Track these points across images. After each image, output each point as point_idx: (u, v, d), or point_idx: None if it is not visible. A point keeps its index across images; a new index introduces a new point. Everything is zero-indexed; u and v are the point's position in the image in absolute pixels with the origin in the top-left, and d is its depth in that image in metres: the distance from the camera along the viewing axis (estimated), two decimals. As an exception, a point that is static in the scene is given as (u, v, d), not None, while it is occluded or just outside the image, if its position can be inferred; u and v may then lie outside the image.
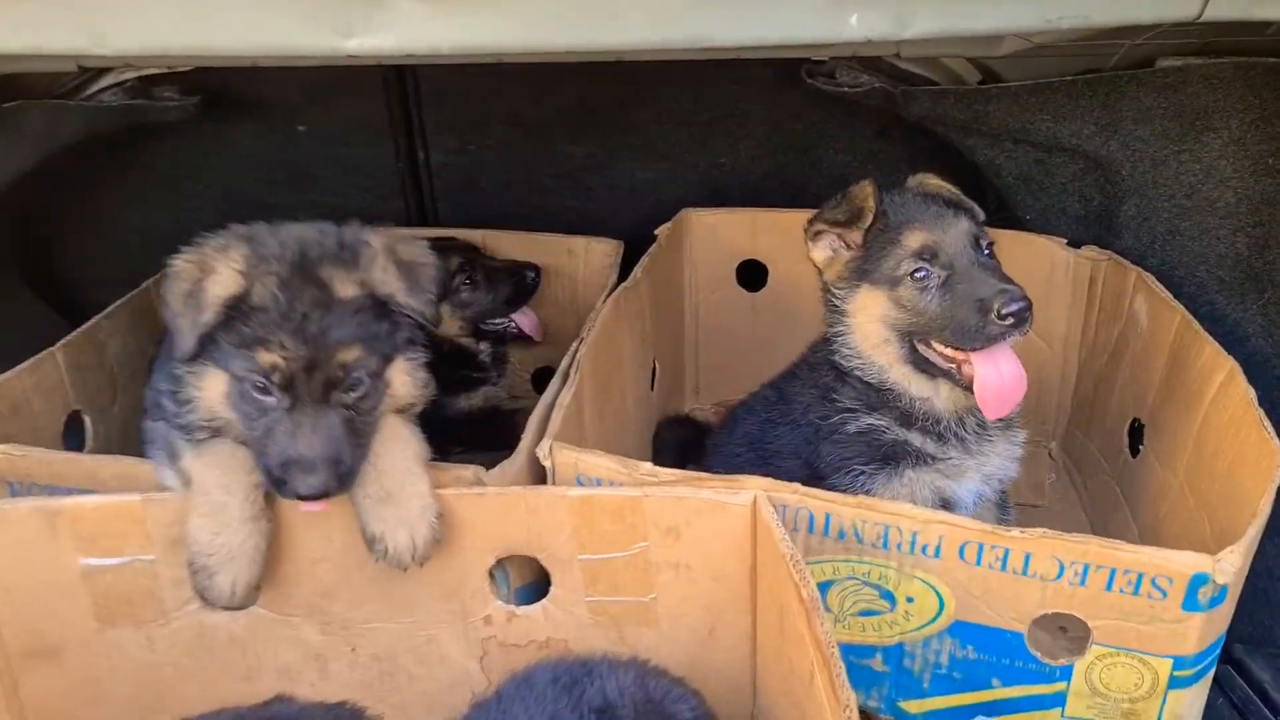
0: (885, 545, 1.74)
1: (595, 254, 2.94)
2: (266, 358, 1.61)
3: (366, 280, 1.69)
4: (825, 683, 1.36)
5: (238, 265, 1.65)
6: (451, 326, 2.91)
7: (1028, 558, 1.66)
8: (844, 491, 2.09)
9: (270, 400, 1.64)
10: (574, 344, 2.18)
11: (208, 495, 1.68)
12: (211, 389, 1.70)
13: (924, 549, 1.71)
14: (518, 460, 1.86)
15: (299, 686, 1.84)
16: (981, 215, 2.14)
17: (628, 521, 1.75)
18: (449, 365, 2.82)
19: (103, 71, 2.51)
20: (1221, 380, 2.08)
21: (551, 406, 1.96)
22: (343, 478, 1.63)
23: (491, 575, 1.84)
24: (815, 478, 2.18)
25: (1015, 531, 1.66)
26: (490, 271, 2.93)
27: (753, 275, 3.09)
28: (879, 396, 2.10)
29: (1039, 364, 2.85)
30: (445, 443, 1.97)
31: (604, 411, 2.31)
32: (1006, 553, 1.67)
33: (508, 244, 3.05)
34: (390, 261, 1.73)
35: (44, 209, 3.07)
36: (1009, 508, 2.30)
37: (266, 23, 1.81)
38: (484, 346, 2.94)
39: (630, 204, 3.21)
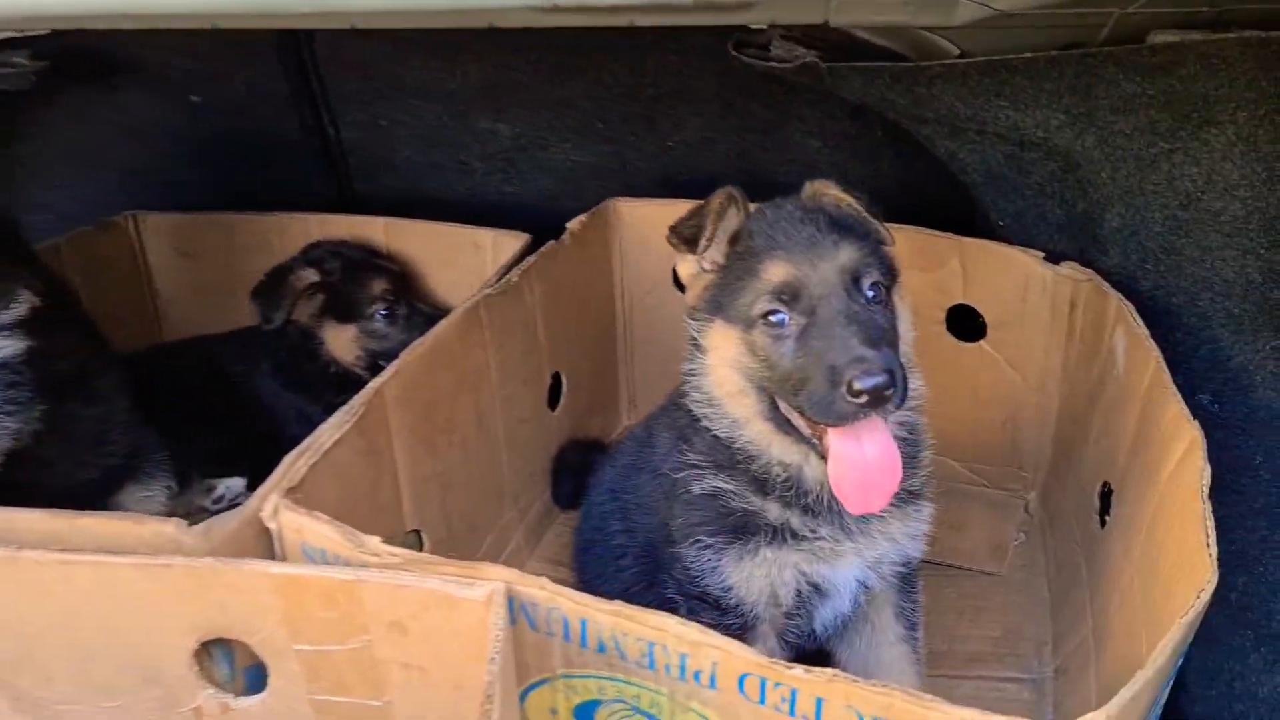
0: (651, 666, 1.35)
1: (502, 248, 2.57)
2: None
3: None
4: None
5: None
6: (348, 353, 2.62)
7: (819, 703, 1.25)
8: (692, 567, 1.73)
9: None
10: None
11: None
12: None
13: (696, 676, 1.32)
14: (238, 518, 1.54)
15: (-2, 766, 1.59)
16: (886, 241, 1.66)
17: (344, 610, 1.42)
18: (333, 388, 2.56)
19: (-58, 36, 2.28)
20: (1181, 453, 1.59)
21: (303, 452, 1.63)
22: None
23: (210, 655, 1.53)
24: (669, 544, 1.81)
25: (799, 670, 1.24)
26: (413, 312, 2.64)
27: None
28: (728, 455, 1.69)
29: (1013, 400, 2.37)
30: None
31: (434, 443, 1.98)
32: (794, 693, 1.26)
33: (410, 235, 2.73)
34: None
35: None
36: (915, 592, 1.86)
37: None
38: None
39: (569, 190, 2.83)
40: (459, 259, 2.69)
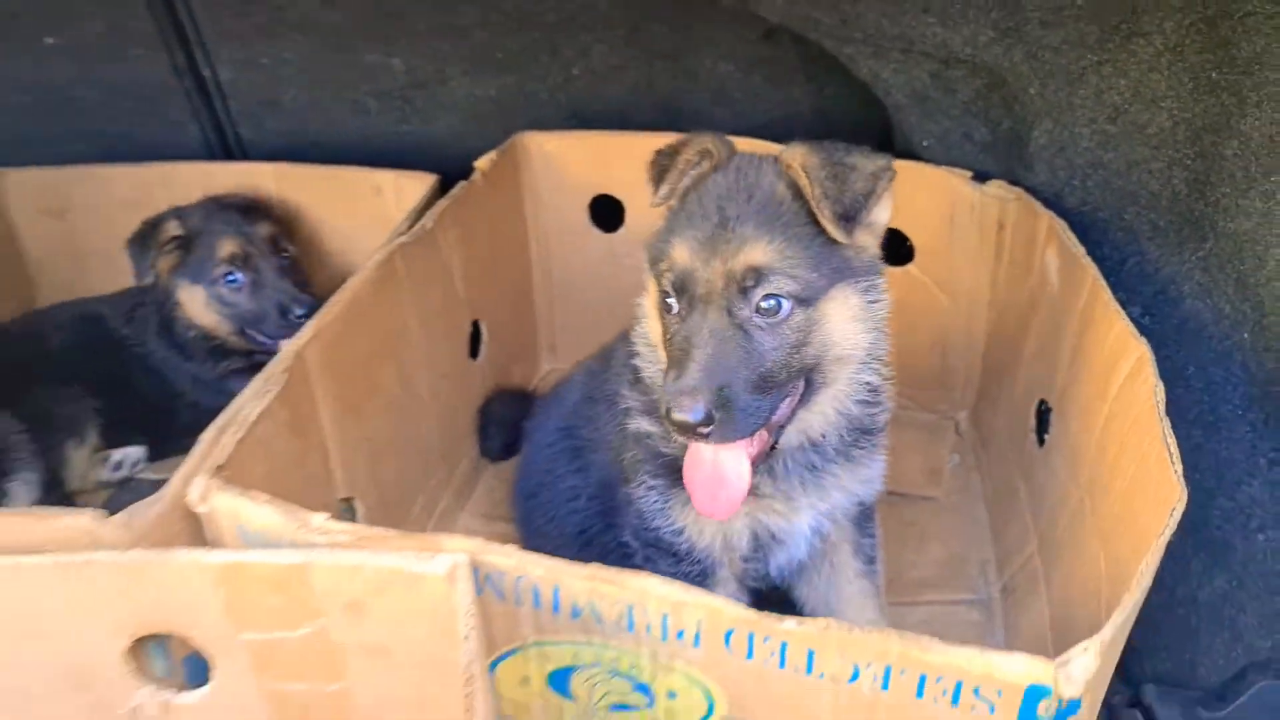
0: (631, 628, 1.28)
1: (406, 191, 2.43)
2: None
3: None
4: None
5: None
6: (205, 317, 2.45)
7: (811, 654, 1.21)
8: (643, 509, 1.67)
9: None
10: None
11: None
12: None
13: (680, 634, 1.26)
14: (161, 502, 1.40)
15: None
16: (841, 237, 1.45)
17: (294, 594, 1.31)
18: (211, 355, 2.46)
19: None
20: (1129, 371, 1.60)
21: (224, 428, 1.50)
22: None
23: (144, 650, 1.40)
24: (623, 481, 1.74)
25: (791, 623, 1.20)
26: (269, 277, 2.44)
27: (610, 213, 2.58)
28: (654, 400, 1.62)
29: (941, 322, 2.37)
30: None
31: (361, 407, 1.86)
32: (783, 646, 1.22)
33: (302, 180, 2.56)
34: None
35: None
36: (872, 527, 1.84)
37: None
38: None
39: (469, 128, 2.67)
40: (359, 205, 2.52)
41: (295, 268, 2.50)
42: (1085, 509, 1.70)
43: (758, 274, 1.41)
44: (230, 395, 2.37)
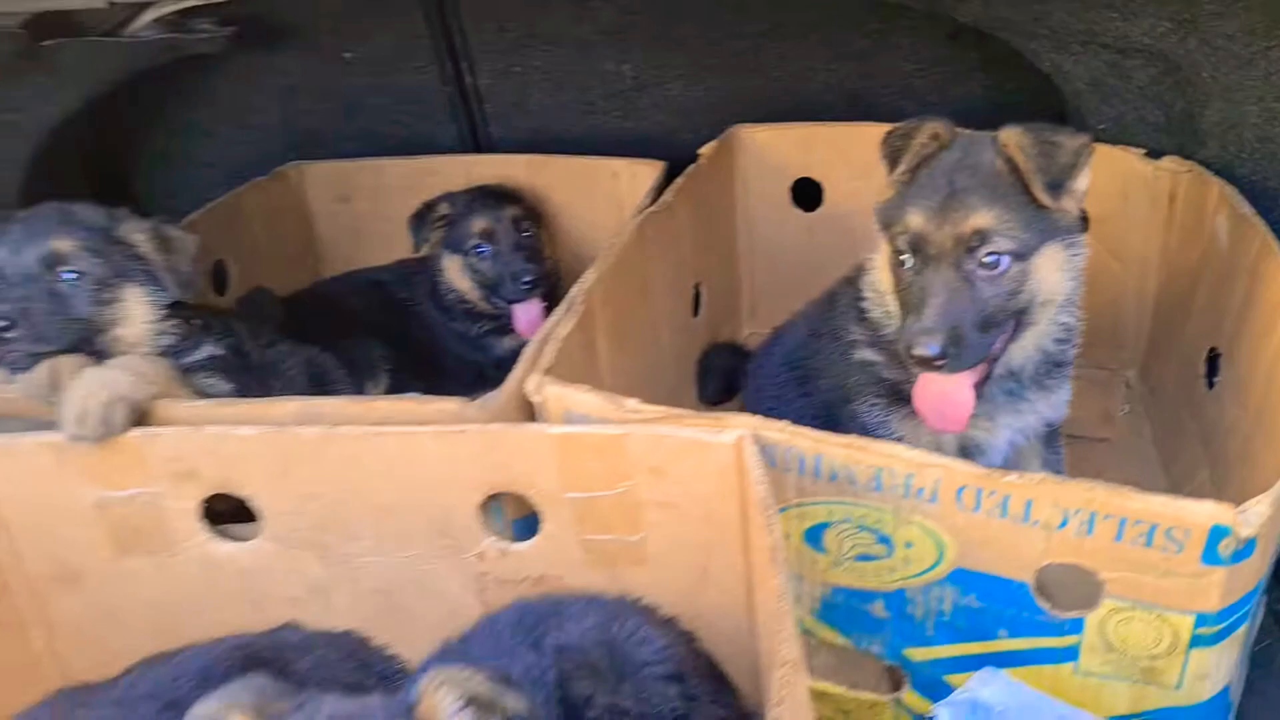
0: (879, 488, 1.63)
1: (639, 176, 2.84)
2: None
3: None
4: (778, 644, 1.29)
5: None
6: (461, 281, 2.92)
7: (1029, 504, 1.53)
8: (866, 422, 2.02)
9: None
10: (585, 275, 2.13)
11: None
12: None
13: (919, 493, 1.61)
14: (504, 394, 1.83)
15: (306, 616, 1.87)
16: (1048, 202, 1.78)
17: (611, 460, 1.70)
18: (471, 318, 2.92)
19: (143, 7, 2.54)
20: (1297, 307, 1.86)
21: (545, 340, 1.92)
22: None
23: (485, 510, 1.83)
24: (846, 402, 2.09)
25: (1014, 476, 1.53)
26: (507, 250, 2.88)
27: (808, 194, 2.94)
28: (879, 336, 1.99)
29: (1113, 285, 2.63)
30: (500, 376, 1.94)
31: (624, 342, 2.26)
32: (1006, 499, 1.54)
33: (550, 169, 3.00)
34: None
35: (116, 146, 3.18)
36: (1058, 445, 2.15)
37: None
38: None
39: (683, 123, 3.08)
40: (596, 188, 2.95)
41: (532, 244, 2.93)
42: (1255, 432, 1.95)
43: (982, 235, 1.75)
44: (485, 351, 2.86)
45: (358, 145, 3.19)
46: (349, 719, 1.20)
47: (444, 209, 2.86)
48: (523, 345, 2.82)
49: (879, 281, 1.97)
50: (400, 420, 1.78)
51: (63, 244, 2.05)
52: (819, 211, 2.93)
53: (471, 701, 1.19)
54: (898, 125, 1.90)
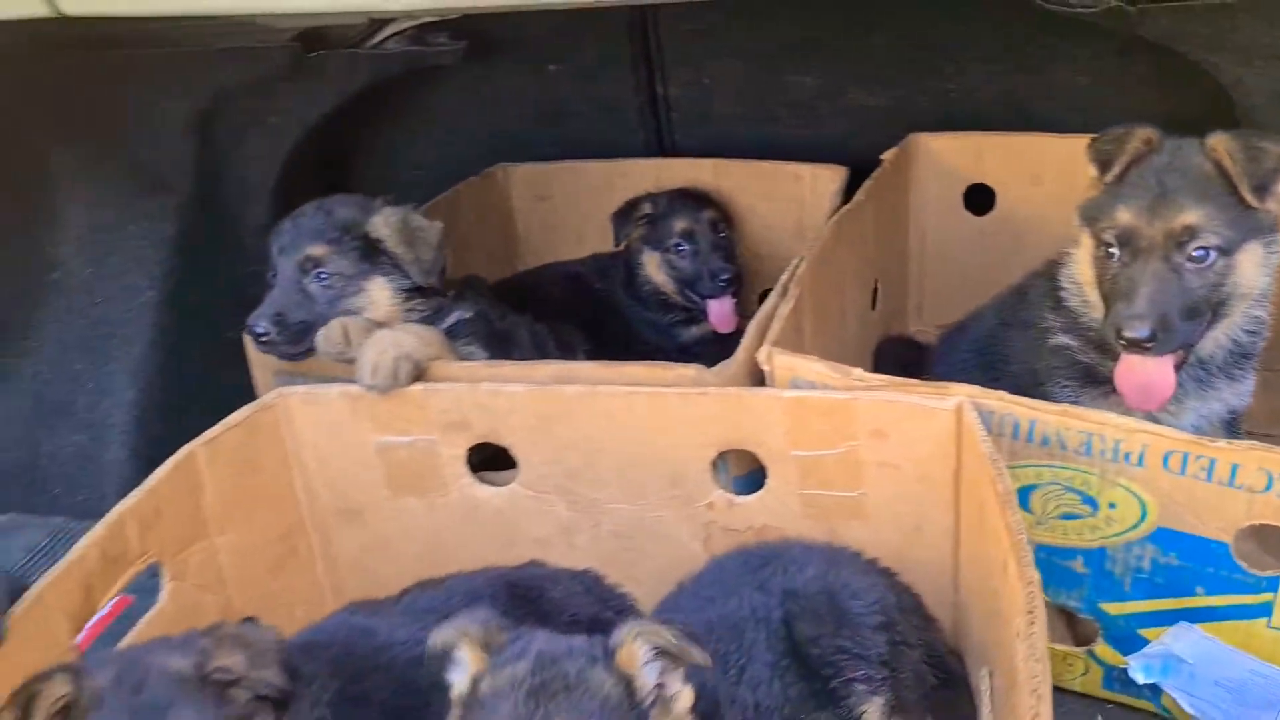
0: (1088, 452, 1.81)
1: (821, 180, 3.06)
2: None
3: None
4: (1015, 569, 1.48)
5: None
6: (658, 274, 3.18)
7: (1234, 468, 1.69)
8: (1059, 403, 2.18)
9: None
10: (795, 261, 2.34)
11: None
12: None
13: (1127, 457, 1.77)
14: (735, 362, 2.05)
15: (550, 555, 2.13)
16: (1254, 203, 1.91)
17: (837, 422, 1.91)
18: (663, 309, 3.20)
19: (386, 22, 2.86)
20: None
21: (771, 317, 2.14)
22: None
23: (714, 466, 2.06)
24: (1036, 385, 2.25)
25: (1222, 443, 1.69)
26: (706, 249, 3.12)
27: (981, 200, 3.11)
28: (1077, 324, 2.16)
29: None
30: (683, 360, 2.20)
31: (822, 325, 2.47)
32: (1212, 463, 1.70)
33: (736, 173, 3.23)
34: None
35: (338, 151, 3.53)
36: (1240, 433, 2.27)
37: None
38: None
39: (859, 131, 3.28)
40: (777, 191, 3.18)
41: (727, 245, 3.18)
42: None
43: (1191, 231, 1.91)
44: (673, 338, 3.10)
45: (554, 150, 3.48)
46: (557, 654, 1.34)
47: (646, 208, 3.13)
48: (705, 334, 3.15)
49: (1078, 274, 2.14)
50: (648, 382, 2.03)
51: (317, 249, 2.34)
52: (990, 216, 3.10)
53: (662, 652, 1.36)
54: (1106, 131, 2.07)
